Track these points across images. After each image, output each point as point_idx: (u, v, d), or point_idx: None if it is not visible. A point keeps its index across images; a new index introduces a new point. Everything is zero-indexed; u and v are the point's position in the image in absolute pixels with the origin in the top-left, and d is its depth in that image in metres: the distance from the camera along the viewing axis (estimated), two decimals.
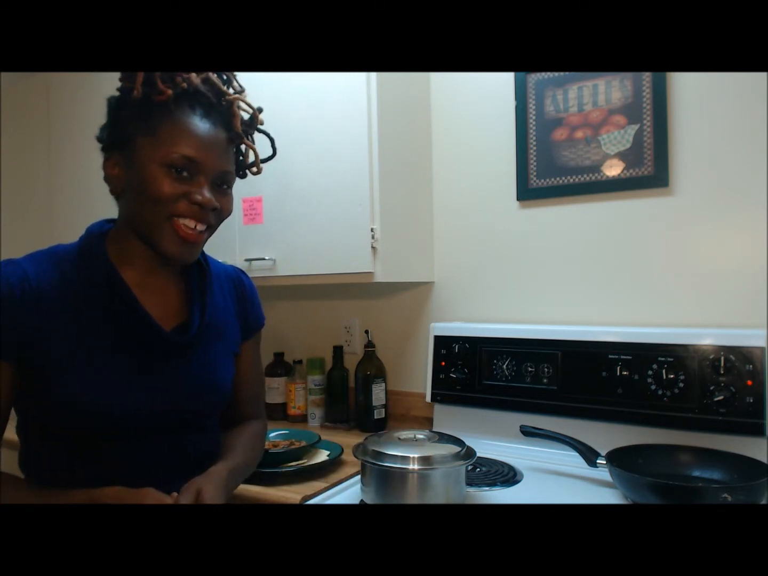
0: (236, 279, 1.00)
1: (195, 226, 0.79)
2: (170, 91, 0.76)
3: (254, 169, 0.91)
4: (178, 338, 0.84)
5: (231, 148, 0.84)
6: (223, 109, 0.82)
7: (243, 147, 0.89)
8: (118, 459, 0.80)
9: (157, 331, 0.82)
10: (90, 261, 0.81)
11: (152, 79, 0.76)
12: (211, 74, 0.81)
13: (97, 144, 0.84)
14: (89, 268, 0.80)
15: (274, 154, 0.92)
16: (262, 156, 0.91)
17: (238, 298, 0.98)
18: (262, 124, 0.89)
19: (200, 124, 0.78)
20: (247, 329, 1.00)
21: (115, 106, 0.82)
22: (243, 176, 0.92)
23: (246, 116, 0.87)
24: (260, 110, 0.88)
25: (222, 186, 0.83)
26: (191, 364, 0.87)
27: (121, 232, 0.83)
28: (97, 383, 0.78)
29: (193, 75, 0.79)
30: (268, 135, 0.91)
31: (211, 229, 0.83)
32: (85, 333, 0.78)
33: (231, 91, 0.85)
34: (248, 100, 0.86)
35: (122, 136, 0.80)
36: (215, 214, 0.82)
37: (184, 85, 0.78)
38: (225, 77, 0.85)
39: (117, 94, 0.82)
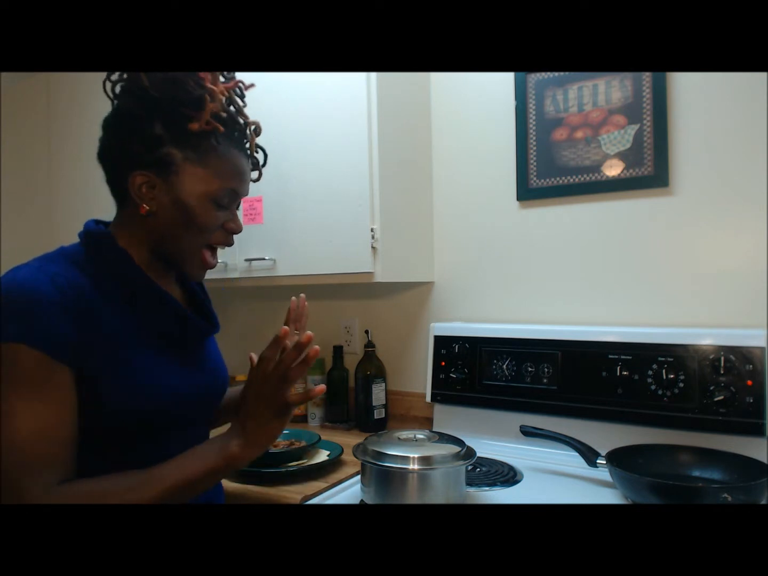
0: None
1: (216, 256, 0.86)
2: (222, 129, 0.79)
3: (254, 177, 0.94)
4: (211, 328, 0.90)
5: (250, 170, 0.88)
6: (243, 131, 0.85)
7: None
8: (166, 453, 0.78)
9: (191, 322, 0.85)
10: (109, 259, 0.80)
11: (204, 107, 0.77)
12: (233, 95, 0.82)
13: (96, 143, 0.83)
14: (110, 265, 0.80)
15: (264, 164, 0.94)
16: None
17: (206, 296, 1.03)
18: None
19: (239, 157, 0.83)
20: None
21: (146, 117, 0.78)
22: None
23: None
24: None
25: (238, 205, 0.88)
26: (210, 354, 0.93)
27: (134, 239, 0.83)
28: (146, 379, 0.78)
29: (223, 99, 0.79)
30: (262, 149, 0.92)
31: None
32: (121, 331, 0.78)
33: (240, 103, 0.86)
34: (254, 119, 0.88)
35: (161, 158, 0.78)
36: None
37: (224, 114, 0.80)
38: (240, 90, 0.85)
39: (129, 100, 0.79)
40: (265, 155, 0.93)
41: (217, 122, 0.78)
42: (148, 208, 0.80)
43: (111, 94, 0.81)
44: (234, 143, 0.82)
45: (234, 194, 0.83)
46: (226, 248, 0.89)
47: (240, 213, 1.49)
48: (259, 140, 0.90)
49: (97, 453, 0.77)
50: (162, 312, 0.82)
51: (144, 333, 0.80)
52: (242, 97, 0.85)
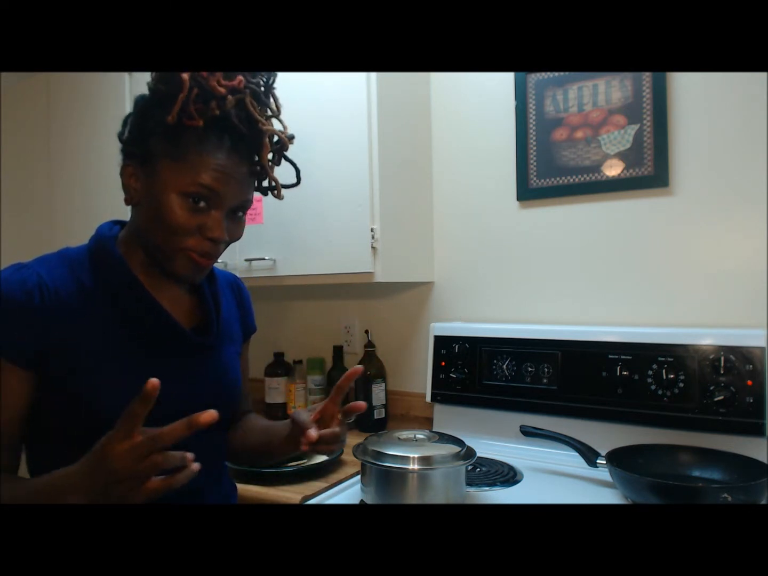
0: (235, 285, 1.03)
1: (204, 256, 0.79)
2: (201, 122, 0.74)
3: (275, 192, 0.89)
4: (201, 340, 0.85)
5: (253, 179, 0.83)
6: (252, 138, 0.79)
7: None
8: None
9: (181, 334, 0.82)
10: (105, 264, 0.80)
11: (186, 101, 0.74)
12: (247, 98, 0.77)
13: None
14: (105, 271, 0.79)
15: (298, 182, 0.90)
16: (286, 181, 0.88)
17: (238, 303, 1.01)
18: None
19: (226, 157, 0.76)
20: (246, 332, 1.03)
21: (142, 112, 0.79)
22: (264, 194, 0.90)
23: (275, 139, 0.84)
24: (292, 138, 0.85)
25: (237, 213, 0.82)
26: (209, 366, 0.88)
27: (133, 238, 0.83)
28: (124, 386, 0.76)
29: (229, 97, 0.75)
30: (294, 165, 0.89)
31: (219, 254, 0.84)
32: (106, 336, 0.77)
33: (268, 112, 0.82)
34: (281, 128, 0.83)
35: (145, 150, 0.77)
36: (225, 244, 0.82)
37: (217, 112, 0.75)
38: (263, 97, 0.80)
39: (146, 93, 0.79)
40: (297, 171, 0.88)
41: (205, 119, 0.74)
42: (129, 198, 0.79)
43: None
44: (227, 145, 0.76)
45: (210, 193, 0.76)
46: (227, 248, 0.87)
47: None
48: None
49: (76, 454, 0.77)
50: (145, 319, 0.80)
51: (125, 339, 0.79)
52: (264, 104, 0.80)
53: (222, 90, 0.75)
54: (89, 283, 0.78)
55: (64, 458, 0.78)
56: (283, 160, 0.87)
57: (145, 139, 0.78)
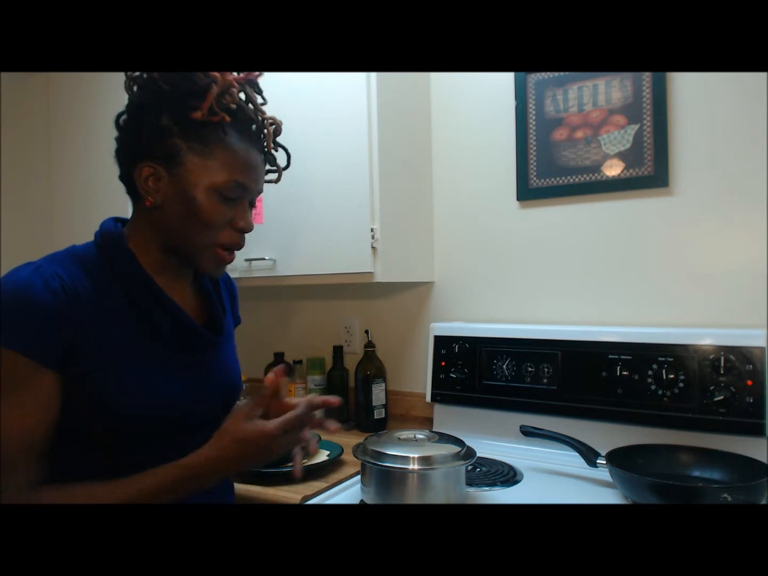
0: (226, 279, 1.04)
1: (232, 249, 0.84)
2: (228, 118, 0.77)
3: (274, 178, 0.93)
4: (212, 337, 0.87)
5: (264, 167, 0.86)
6: (260, 127, 0.83)
7: None
8: (161, 459, 0.78)
9: (195, 331, 0.84)
10: (117, 261, 0.79)
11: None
12: (247, 88, 0.80)
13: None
14: (117, 267, 0.79)
15: (288, 166, 0.93)
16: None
17: (230, 297, 1.03)
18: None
19: (250, 151, 0.81)
20: (235, 324, 1.05)
21: (154, 109, 0.77)
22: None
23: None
24: (281, 122, 0.89)
25: (252, 203, 0.86)
26: (218, 361, 0.90)
27: (145, 238, 0.82)
28: (143, 382, 0.77)
29: (234, 91, 0.77)
30: (285, 149, 0.91)
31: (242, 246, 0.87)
32: (125, 334, 0.78)
33: (259, 99, 0.84)
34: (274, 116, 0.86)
35: (167, 149, 0.77)
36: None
37: (233, 105, 0.77)
38: (258, 85, 0.84)
39: (140, 93, 0.79)
40: (288, 155, 0.91)
41: (226, 114, 0.76)
42: (152, 200, 0.79)
43: (130, 92, 0.80)
44: (246, 137, 0.80)
45: (241, 188, 0.80)
46: None
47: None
48: None
49: (91, 453, 0.77)
50: (161, 316, 0.81)
51: (143, 336, 0.79)
52: (260, 92, 0.83)
53: (235, 84, 0.78)
54: (103, 280, 0.78)
55: (84, 457, 0.78)
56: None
57: (163, 138, 0.77)
